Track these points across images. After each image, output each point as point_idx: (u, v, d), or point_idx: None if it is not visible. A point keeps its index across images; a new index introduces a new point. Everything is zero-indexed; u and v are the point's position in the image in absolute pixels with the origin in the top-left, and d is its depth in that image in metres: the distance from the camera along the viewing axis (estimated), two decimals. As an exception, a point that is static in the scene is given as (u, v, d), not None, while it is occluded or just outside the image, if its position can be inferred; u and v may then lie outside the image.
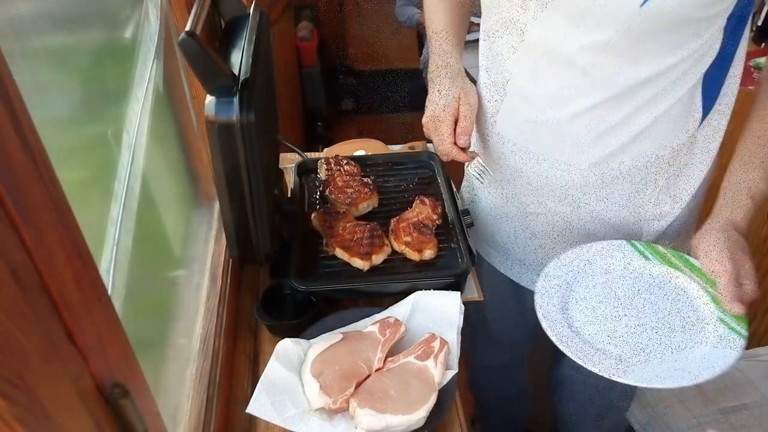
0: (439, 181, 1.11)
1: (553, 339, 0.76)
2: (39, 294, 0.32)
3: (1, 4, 0.50)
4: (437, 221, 0.99)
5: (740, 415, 1.19)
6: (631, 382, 0.70)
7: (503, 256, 1.09)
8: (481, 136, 1.02)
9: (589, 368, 0.72)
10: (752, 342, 1.67)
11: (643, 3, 0.70)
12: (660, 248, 0.88)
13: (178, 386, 0.75)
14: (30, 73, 0.52)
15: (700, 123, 0.85)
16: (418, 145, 1.32)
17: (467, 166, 1.10)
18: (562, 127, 0.86)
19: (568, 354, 0.74)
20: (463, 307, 0.88)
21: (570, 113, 0.84)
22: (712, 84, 0.83)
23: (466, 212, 1.00)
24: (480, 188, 1.08)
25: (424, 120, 0.93)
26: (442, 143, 0.91)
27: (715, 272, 0.76)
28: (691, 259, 0.84)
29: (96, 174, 0.65)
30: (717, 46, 0.79)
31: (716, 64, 0.81)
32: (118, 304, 0.58)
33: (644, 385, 0.71)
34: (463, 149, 0.90)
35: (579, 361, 0.73)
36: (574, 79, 0.80)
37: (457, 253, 0.95)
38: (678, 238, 0.97)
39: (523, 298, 1.11)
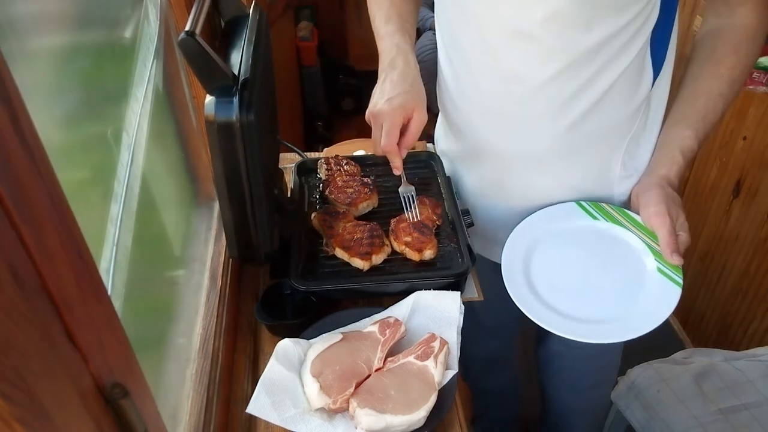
0: (439, 181, 1.11)
1: (524, 310, 0.84)
2: (39, 294, 0.32)
3: (1, 4, 0.50)
4: (437, 221, 0.99)
5: (740, 415, 1.19)
6: (585, 340, 0.79)
7: (485, 240, 1.11)
8: (449, 120, 1.05)
9: (557, 332, 0.80)
10: (752, 342, 1.67)
11: None
12: (606, 206, 0.95)
13: (178, 386, 0.75)
14: (30, 73, 0.52)
15: (653, 83, 0.89)
16: (418, 145, 1.32)
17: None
18: (526, 100, 0.88)
19: (533, 318, 0.82)
20: (463, 307, 0.88)
21: (533, 85, 0.86)
22: (659, 45, 0.87)
23: (466, 212, 1.00)
24: (459, 172, 1.11)
25: (373, 109, 0.90)
26: (387, 139, 0.88)
27: (654, 225, 0.84)
28: (633, 215, 0.92)
29: (96, 174, 0.65)
30: (658, 7, 0.82)
31: (660, 25, 0.84)
32: (118, 304, 0.58)
33: (595, 341, 0.79)
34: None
35: (554, 331, 0.80)
36: (533, 50, 0.83)
37: (457, 253, 0.95)
38: None
39: None
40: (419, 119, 0.89)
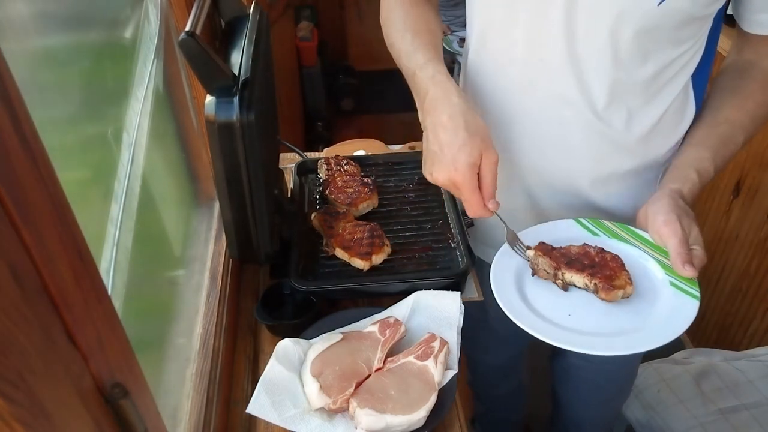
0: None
1: (520, 324, 0.76)
2: (39, 294, 0.32)
3: (1, 4, 0.50)
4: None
5: (740, 415, 1.19)
6: (600, 353, 0.73)
7: (485, 245, 1.09)
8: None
9: (564, 347, 0.73)
10: (752, 342, 1.67)
11: (660, 2, 0.72)
12: (607, 223, 0.89)
13: (178, 386, 0.75)
14: (30, 73, 0.52)
15: (694, 117, 0.89)
16: (418, 145, 1.31)
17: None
18: (573, 126, 0.86)
19: (526, 329, 0.75)
20: (463, 307, 0.88)
21: (582, 111, 0.84)
22: (700, 81, 0.86)
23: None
24: None
25: (436, 178, 0.78)
26: (472, 207, 0.78)
27: (664, 236, 0.76)
28: (638, 231, 0.85)
29: (96, 174, 0.65)
30: (704, 42, 0.82)
31: (703, 60, 0.84)
32: (118, 304, 0.58)
33: (611, 353, 0.73)
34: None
35: (551, 341, 0.74)
36: (586, 78, 0.81)
37: (457, 253, 0.95)
38: None
39: None
40: (490, 162, 0.75)
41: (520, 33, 0.82)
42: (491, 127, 0.79)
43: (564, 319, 0.77)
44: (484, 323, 1.26)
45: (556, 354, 1.33)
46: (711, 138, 0.83)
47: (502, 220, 0.84)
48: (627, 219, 0.93)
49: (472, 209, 0.78)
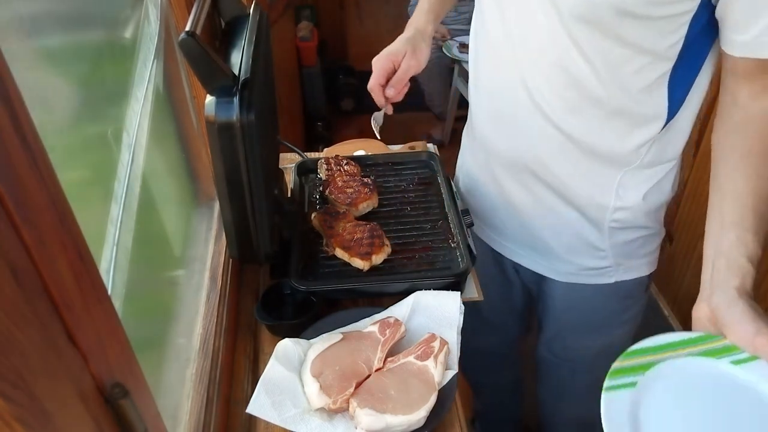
0: (439, 180, 1.11)
1: None
2: (39, 294, 0.32)
3: (1, 4, 0.50)
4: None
5: (740, 415, 1.19)
6: None
7: (484, 224, 1.12)
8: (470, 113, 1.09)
9: None
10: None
11: None
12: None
13: (178, 386, 0.75)
14: (30, 73, 0.52)
15: (665, 124, 0.86)
16: (418, 145, 1.32)
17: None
18: (531, 105, 0.88)
19: None
20: (463, 307, 0.88)
21: (539, 93, 0.87)
22: (677, 89, 0.83)
23: (466, 212, 1.00)
24: (464, 156, 1.15)
25: (374, 60, 1.05)
26: (372, 80, 1.04)
27: (759, 348, 0.68)
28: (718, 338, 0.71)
29: (96, 174, 0.65)
30: (678, 49, 0.78)
31: (681, 69, 0.80)
32: (118, 304, 0.58)
33: None
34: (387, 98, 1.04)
35: None
36: (545, 60, 0.84)
37: (457, 253, 0.95)
38: (644, 230, 0.98)
39: (505, 269, 1.18)
40: (406, 63, 1.02)
41: (491, 22, 0.91)
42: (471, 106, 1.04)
43: None
44: (472, 306, 1.27)
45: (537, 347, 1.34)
46: (747, 215, 0.74)
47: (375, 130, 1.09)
48: (589, 203, 0.95)
49: (369, 84, 1.06)
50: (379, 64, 1.03)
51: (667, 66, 0.80)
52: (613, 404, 0.68)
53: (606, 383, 0.70)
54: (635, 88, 0.81)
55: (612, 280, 1.02)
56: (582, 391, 1.28)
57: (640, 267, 1.02)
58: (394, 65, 1.03)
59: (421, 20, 1.09)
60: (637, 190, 0.93)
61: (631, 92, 0.82)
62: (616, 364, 0.71)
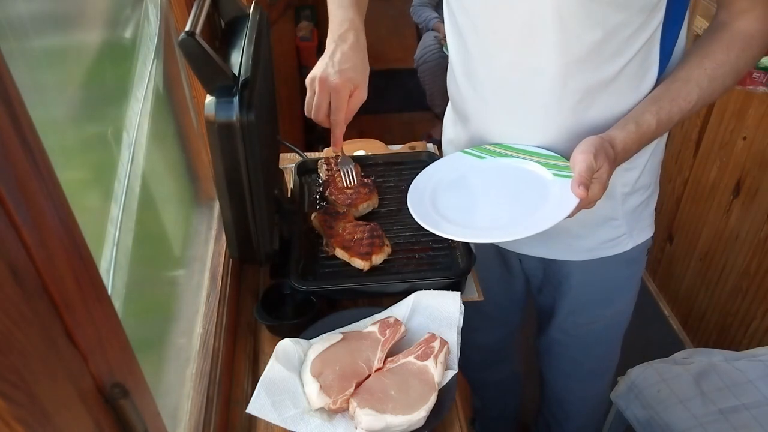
0: (439, 181, 1.11)
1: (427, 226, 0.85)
2: (39, 294, 0.32)
3: (1, 4, 0.50)
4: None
5: (740, 415, 1.19)
6: (499, 240, 0.84)
7: None
8: (456, 108, 1.07)
9: (464, 240, 0.86)
10: (752, 342, 1.67)
11: None
12: (488, 146, 0.97)
13: (178, 386, 0.75)
14: (30, 73, 0.52)
15: (657, 77, 0.89)
16: (418, 145, 1.32)
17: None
18: (531, 89, 0.89)
19: (436, 232, 0.84)
20: (463, 307, 0.88)
21: (539, 76, 0.87)
22: (668, 41, 0.87)
23: (466, 212, 1.00)
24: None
25: (321, 75, 0.91)
26: (336, 112, 0.92)
27: (575, 162, 0.81)
28: (517, 145, 0.93)
29: (96, 174, 0.65)
30: (662, 6, 0.83)
31: (669, 22, 0.85)
32: (118, 304, 0.58)
33: (508, 238, 0.82)
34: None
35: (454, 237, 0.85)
36: (540, 43, 0.84)
37: (457, 253, 0.95)
38: (648, 190, 1.01)
39: (509, 263, 1.18)
40: (360, 96, 0.93)
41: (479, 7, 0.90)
42: (464, 100, 1.00)
43: (469, 219, 0.88)
44: (471, 302, 1.27)
45: (539, 333, 1.35)
46: (662, 94, 0.85)
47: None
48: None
49: (333, 117, 0.93)
50: (340, 92, 0.90)
51: (657, 21, 0.84)
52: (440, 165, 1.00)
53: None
54: (632, 50, 0.84)
55: (628, 248, 1.03)
56: (593, 365, 1.29)
57: (646, 229, 1.06)
58: (351, 94, 0.92)
59: (358, 27, 1.00)
60: (646, 148, 0.95)
61: (627, 56, 0.85)
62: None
